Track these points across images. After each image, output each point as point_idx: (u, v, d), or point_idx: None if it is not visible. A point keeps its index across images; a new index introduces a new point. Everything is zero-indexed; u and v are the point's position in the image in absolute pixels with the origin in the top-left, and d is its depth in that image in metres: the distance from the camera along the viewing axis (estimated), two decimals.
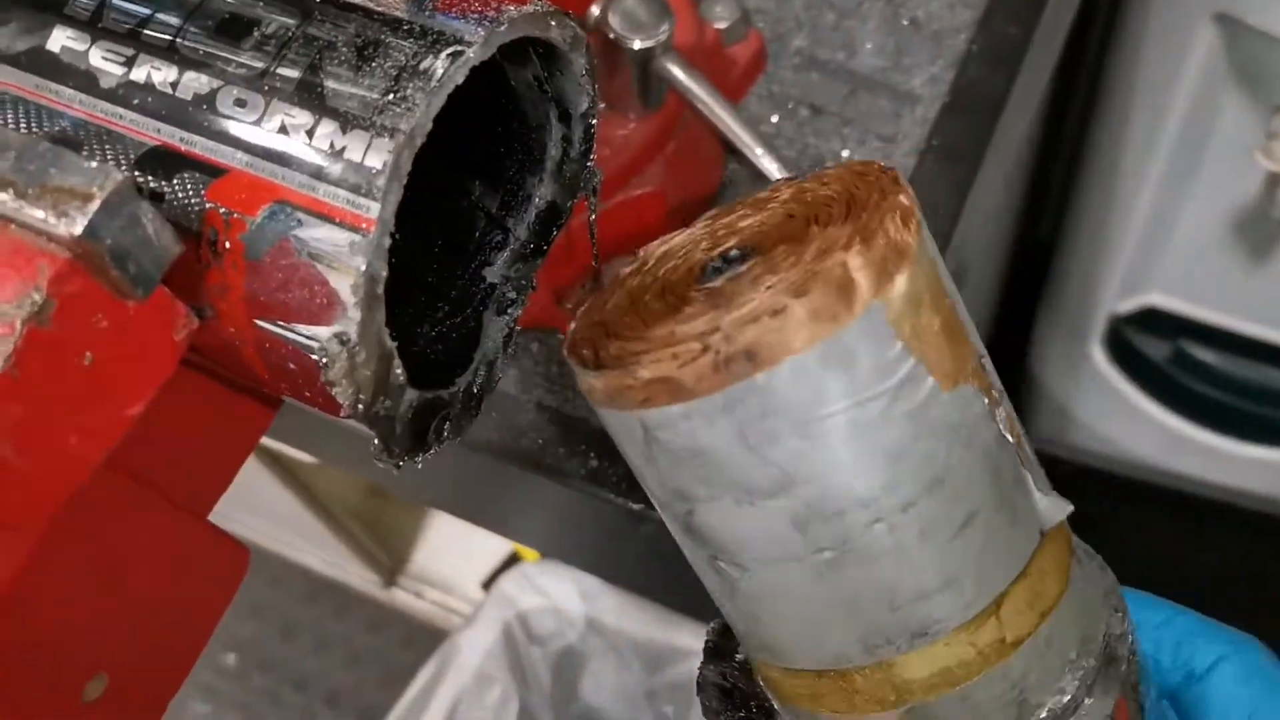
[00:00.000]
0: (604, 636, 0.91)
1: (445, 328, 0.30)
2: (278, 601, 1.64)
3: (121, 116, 0.24)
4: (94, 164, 0.21)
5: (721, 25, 0.50)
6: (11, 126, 0.24)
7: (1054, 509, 0.26)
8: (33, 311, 0.21)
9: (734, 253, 0.24)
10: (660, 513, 0.26)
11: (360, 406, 0.24)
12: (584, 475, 0.45)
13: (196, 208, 0.23)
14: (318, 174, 0.23)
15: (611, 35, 0.42)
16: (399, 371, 0.25)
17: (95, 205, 0.21)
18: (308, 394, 0.25)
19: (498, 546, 1.27)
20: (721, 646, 0.31)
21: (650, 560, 0.51)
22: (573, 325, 0.26)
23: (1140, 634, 0.31)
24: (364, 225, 0.22)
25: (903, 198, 0.23)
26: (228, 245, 0.23)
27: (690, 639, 0.89)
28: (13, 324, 0.21)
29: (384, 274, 0.23)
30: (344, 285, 0.23)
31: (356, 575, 1.55)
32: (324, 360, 0.23)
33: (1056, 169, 1.23)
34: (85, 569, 0.31)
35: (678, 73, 0.42)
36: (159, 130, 0.24)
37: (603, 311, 0.26)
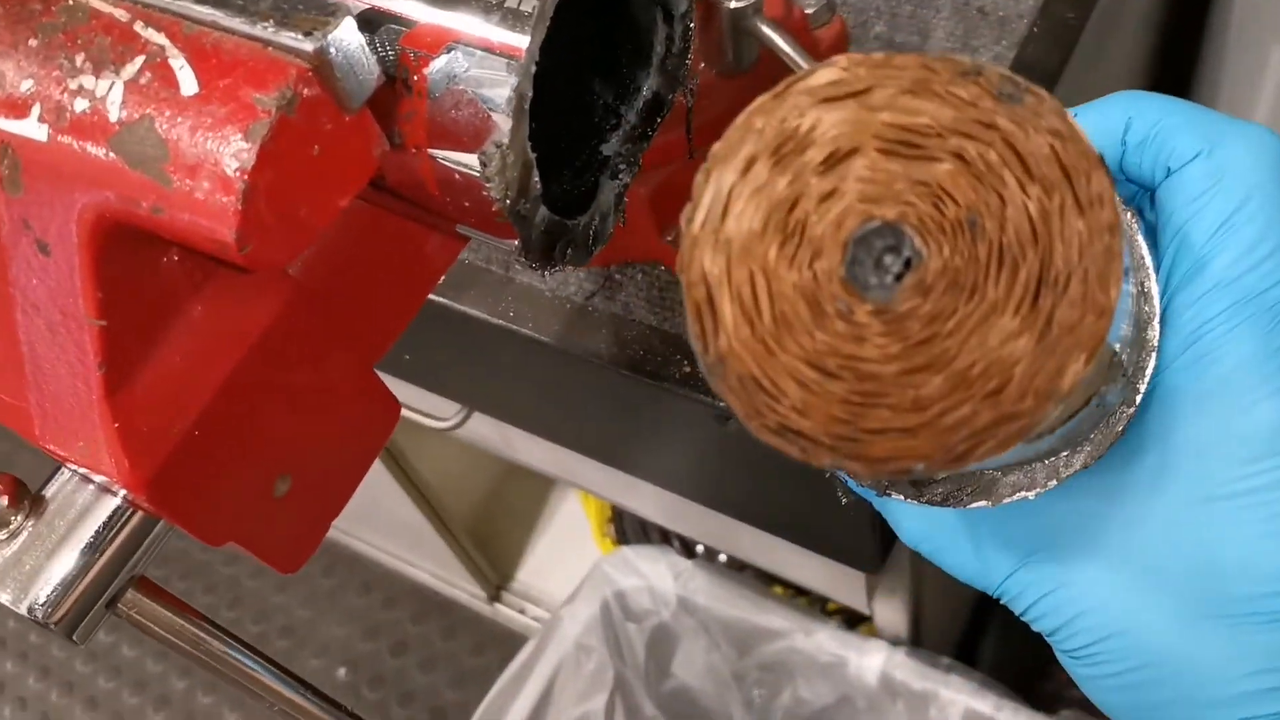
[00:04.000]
0: (695, 616, 0.97)
1: (571, 186, 0.38)
2: (391, 621, 1.73)
3: None
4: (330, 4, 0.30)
5: (809, 9, 0.58)
6: None
7: None
8: (283, 103, 0.29)
9: (889, 261, 0.21)
10: None
11: (508, 201, 0.32)
12: (678, 379, 0.52)
13: (394, 52, 0.32)
14: (486, 19, 0.31)
15: None
16: (536, 181, 0.32)
17: (331, 29, 0.29)
18: (467, 204, 0.33)
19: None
20: None
21: (734, 461, 0.58)
22: (683, 241, 0.22)
23: (1138, 127, 0.30)
24: (517, 54, 0.30)
25: (1110, 244, 0.20)
26: (415, 79, 0.32)
27: (779, 620, 0.94)
28: (270, 111, 0.29)
29: (530, 94, 0.31)
30: (497, 102, 0.31)
31: (465, 590, 1.62)
32: (483, 159, 0.31)
33: None
34: (280, 388, 0.39)
35: (766, 30, 0.50)
36: None
37: (724, 217, 0.22)
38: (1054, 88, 0.58)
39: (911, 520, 0.33)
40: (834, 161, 0.21)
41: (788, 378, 0.21)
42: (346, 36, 0.30)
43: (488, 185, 0.31)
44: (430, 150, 0.33)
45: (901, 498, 0.31)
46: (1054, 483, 0.30)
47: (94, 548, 0.38)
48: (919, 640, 0.88)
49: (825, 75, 0.22)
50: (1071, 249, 0.20)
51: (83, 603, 0.38)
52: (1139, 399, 0.29)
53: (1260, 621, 0.28)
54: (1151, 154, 0.29)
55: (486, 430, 0.84)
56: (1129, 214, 0.29)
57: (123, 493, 0.37)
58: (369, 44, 0.32)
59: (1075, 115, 0.30)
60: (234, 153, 0.29)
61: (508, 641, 1.62)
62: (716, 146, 0.22)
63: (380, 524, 1.51)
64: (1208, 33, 0.97)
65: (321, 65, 0.30)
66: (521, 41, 0.30)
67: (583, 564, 1.13)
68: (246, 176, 0.29)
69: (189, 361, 0.36)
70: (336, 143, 0.31)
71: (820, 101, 0.21)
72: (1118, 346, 0.27)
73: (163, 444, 0.36)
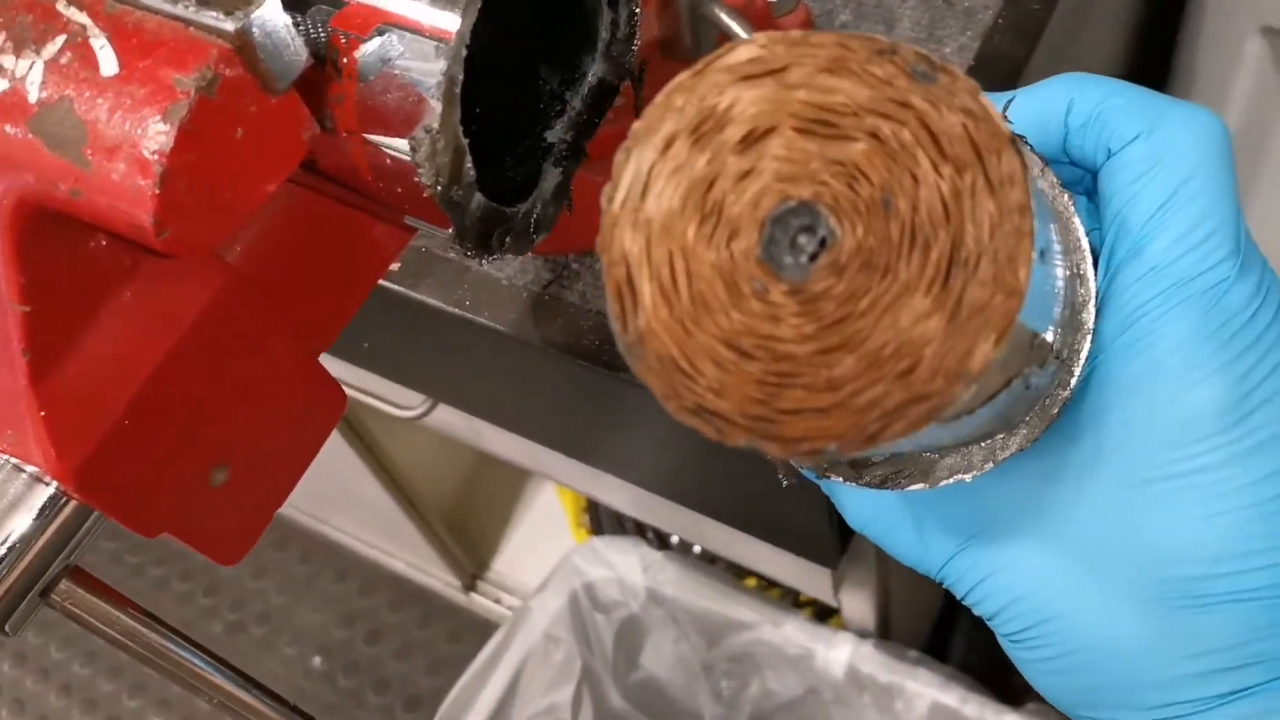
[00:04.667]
0: (664, 607, 0.96)
1: (513, 172, 0.37)
2: (367, 608, 1.73)
3: None
4: None
5: None
6: None
7: None
8: (203, 84, 0.28)
9: (804, 241, 0.20)
10: None
11: (439, 187, 0.31)
12: None
13: (324, 33, 0.31)
14: (417, 1, 0.30)
15: None
16: (469, 167, 0.32)
17: (254, 8, 0.29)
18: (400, 190, 0.32)
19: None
20: None
21: (691, 453, 0.57)
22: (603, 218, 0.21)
23: (1079, 109, 0.29)
24: (447, 37, 0.30)
25: (1020, 224, 0.19)
26: (345, 61, 0.31)
27: (747, 612, 0.94)
28: (189, 92, 0.28)
29: (460, 78, 0.30)
30: (429, 86, 0.30)
31: (440, 579, 1.62)
32: (413, 144, 0.30)
33: None
34: (215, 375, 0.39)
35: (725, 17, 0.50)
36: None
37: (644, 196, 0.21)
38: (1020, 80, 0.57)
39: (856, 503, 0.33)
40: (752, 140, 0.21)
41: (705, 358, 0.21)
42: (270, 16, 0.29)
43: (418, 170, 0.31)
44: (363, 134, 0.32)
45: (841, 480, 0.31)
46: (990, 465, 0.29)
47: (26, 538, 0.37)
48: (887, 633, 0.88)
49: (744, 53, 0.21)
50: (982, 229, 0.20)
51: (14, 593, 0.37)
52: (1074, 382, 0.28)
53: (1196, 605, 0.27)
54: (1093, 136, 0.29)
55: (455, 420, 0.83)
56: (1065, 196, 0.29)
57: (55, 482, 0.36)
58: (297, 24, 0.31)
59: (1017, 97, 0.30)
60: (151, 135, 0.28)
61: (483, 630, 1.61)
62: (637, 125, 0.22)
63: (355, 512, 1.50)
64: (1183, 24, 0.97)
65: (244, 45, 0.29)
66: (453, 24, 0.30)
67: (558, 554, 1.13)
68: (164, 159, 0.28)
69: (119, 348, 0.35)
70: (261, 125, 0.30)
71: (739, 79, 0.21)
72: (1051, 330, 0.27)
73: (91, 432, 0.35)
